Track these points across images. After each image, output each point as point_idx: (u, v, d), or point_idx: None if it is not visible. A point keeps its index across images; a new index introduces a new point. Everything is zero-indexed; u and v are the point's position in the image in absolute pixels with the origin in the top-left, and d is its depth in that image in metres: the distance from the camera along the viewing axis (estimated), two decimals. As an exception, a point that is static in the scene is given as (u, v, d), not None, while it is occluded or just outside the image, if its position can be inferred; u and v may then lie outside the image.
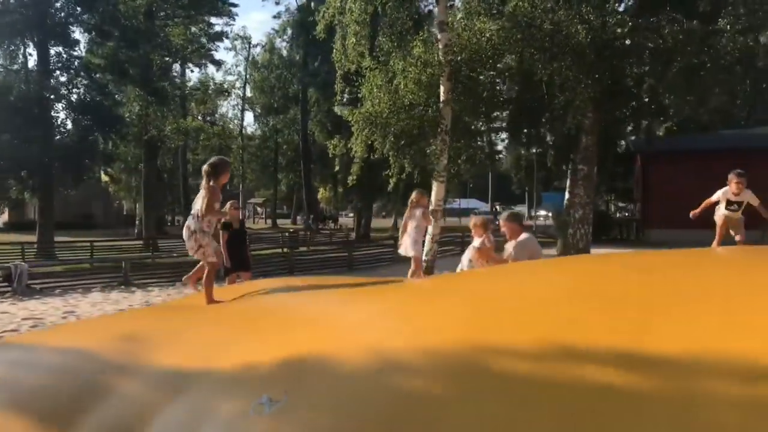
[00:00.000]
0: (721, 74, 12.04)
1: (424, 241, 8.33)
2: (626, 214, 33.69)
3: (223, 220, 10.48)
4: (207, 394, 3.19)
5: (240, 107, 49.28)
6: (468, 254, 5.84)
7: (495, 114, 15.87)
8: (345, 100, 14.27)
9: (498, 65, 12.38)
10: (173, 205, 46.65)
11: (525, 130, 17.28)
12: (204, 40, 28.28)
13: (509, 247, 5.53)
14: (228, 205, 10.49)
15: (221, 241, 9.98)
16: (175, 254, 19.96)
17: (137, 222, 30.79)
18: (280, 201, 60.85)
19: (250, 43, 48.91)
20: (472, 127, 15.10)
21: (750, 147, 23.94)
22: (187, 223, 4.90)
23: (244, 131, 49.60)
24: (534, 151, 20.14)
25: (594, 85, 12.21)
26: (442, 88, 13.12)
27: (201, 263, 4.99)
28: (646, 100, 14.35)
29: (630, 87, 12.87)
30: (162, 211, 33.77)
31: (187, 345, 3.98)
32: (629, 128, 20.90)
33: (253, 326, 4.25)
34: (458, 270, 5.80)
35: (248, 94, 50.28)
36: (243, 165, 47.34)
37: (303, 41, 38.68)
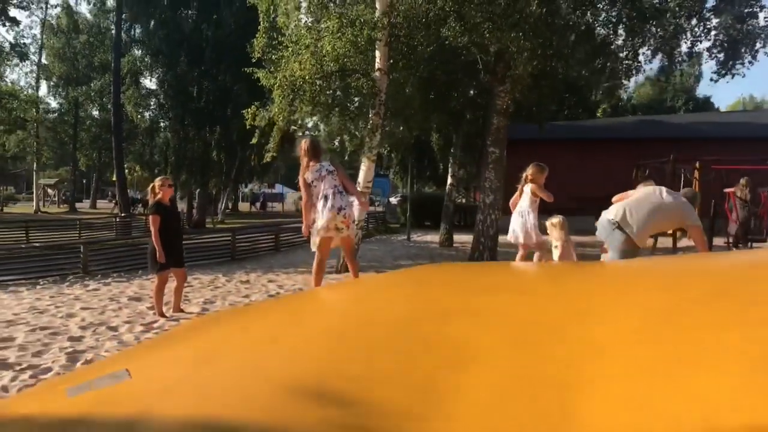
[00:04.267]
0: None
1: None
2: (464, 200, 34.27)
3: (153, 199, 8.15)
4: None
5: (35, 75, 42.46)
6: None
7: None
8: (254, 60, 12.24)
9: (441, 32, 11.19)
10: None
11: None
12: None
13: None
14: (158, 181, 8.17)
15: (153, 229, 7.73)
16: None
17: None
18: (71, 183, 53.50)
19: (47, 2, 42.32)
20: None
21: (590, 138, 26.10)
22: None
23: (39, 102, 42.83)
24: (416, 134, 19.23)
25: (539, 59, 11.63)
26: (378, 54, 11.69)
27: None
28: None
29: (563, 68, 12.48)
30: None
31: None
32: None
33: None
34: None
35: (43, 61, 43.57)
36: (38, 141, 41.01)
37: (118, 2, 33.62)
